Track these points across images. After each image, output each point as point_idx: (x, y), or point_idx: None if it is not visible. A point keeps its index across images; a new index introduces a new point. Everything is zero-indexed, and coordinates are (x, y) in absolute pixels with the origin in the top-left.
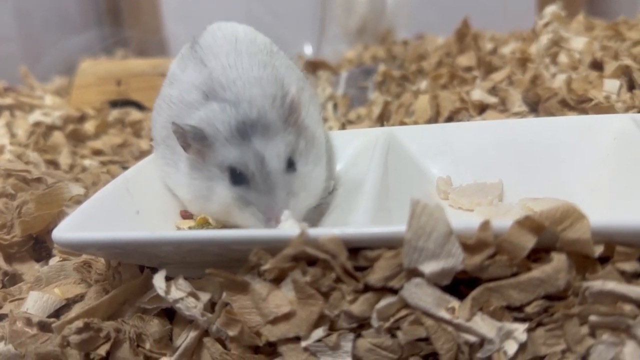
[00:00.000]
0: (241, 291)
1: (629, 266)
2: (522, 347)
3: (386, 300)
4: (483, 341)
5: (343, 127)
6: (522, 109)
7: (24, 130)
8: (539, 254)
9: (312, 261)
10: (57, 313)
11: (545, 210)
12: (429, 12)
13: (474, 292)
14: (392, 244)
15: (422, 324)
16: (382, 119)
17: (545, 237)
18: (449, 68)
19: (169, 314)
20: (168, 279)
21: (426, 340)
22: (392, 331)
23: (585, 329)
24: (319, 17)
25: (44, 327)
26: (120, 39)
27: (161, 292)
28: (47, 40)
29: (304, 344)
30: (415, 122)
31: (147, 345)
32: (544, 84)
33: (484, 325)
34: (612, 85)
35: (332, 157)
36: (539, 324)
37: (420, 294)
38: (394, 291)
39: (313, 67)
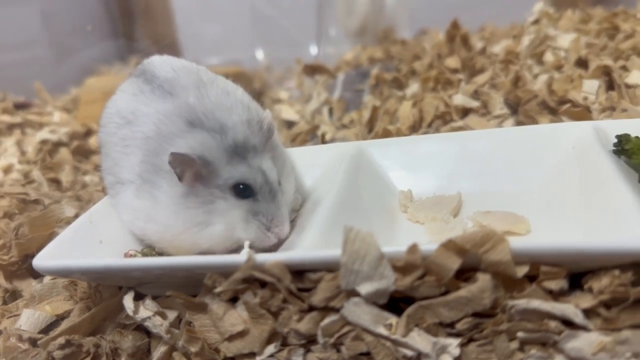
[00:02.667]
0: (200, 311)
1: (554, 284)
2: None
3: (329, 319)
4: (420, 355)
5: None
6: (503, 112)
7: (33, 148)
8: (469, 274)
9: (263, 283)
10: (48, 328)
11: (467, 234)
12: (433, 7)
13: (409, 310)
14: (331, 267)
15: (363, 339)
16: (371, 124)
17: (471, 258)
18: (438, 70)
19: (147, 329)
20: (138, 298)
21: (368, 354)
22: (337, 346)
23: (514, 344)
24: (318, 19)
25: (34, 342)
26: (134, 48)
27: (130, 312)
28: (67, 49)
29: (258, 359)
30: (399, 129)
31: (123, 359)
32: (525, 85)
33: (420, 340)
34: (591, 85)
35: (296, 173)
36: (471, 340)
37: (359, 313)
38: (336, 310)
39: (311, 70)
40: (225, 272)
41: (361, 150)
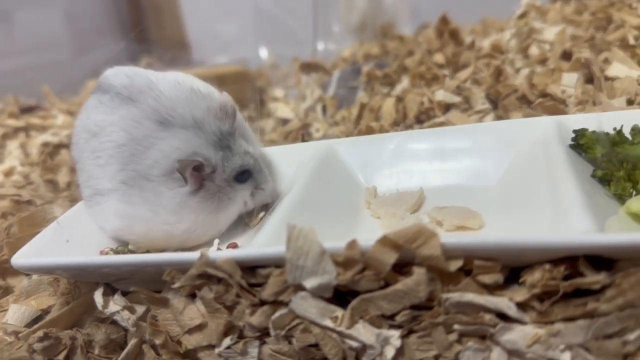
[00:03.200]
0: (163, 305)
1: (488, 278)
2: (400, 351)
3: (279, 312)
4: (365, 347)
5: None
6: (484, 107)
7: (36, 151)
8: (409, 267)
9: (219, 279)
10: (34, 322)
11: (400, 230)
12: (437, 0)
13: (353, 303)
14: (279, 263)
15: (311, 332)
16: (358, 122)
17: (409, 253)
18: (426, 66)
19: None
20: (109, 294)
21: (316, 346)
22: (288, 338)
23: (453, 336)
24: (314, 15)
25: (19, 335)
26: (144, 49)
27: (99, 307)
28: (79, 50)
29: (217, 351)
30: (382, 126)
31: (96, 351)
32: (506, 80)
33: (364, 332)
34: (569, 79)
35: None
36: (411, 331)
37: (306, 306)
38: (285, 304)
39: (308, 68)
40: (184, 268)
41: (332, 149)
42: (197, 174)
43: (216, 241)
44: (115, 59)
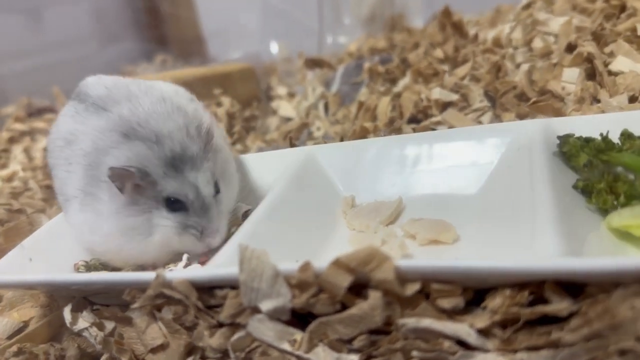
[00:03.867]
0: (127, 324)
1: (447, 303)
2: None
3: (238, 335)
4: None
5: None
6: (483, 105)
7: (40, 155)
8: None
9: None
10: (17, 333)
11: (352, 253)
12: None
13: (311, 326)
14: (235, 284)
15: (270, 355)
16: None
17: (363, 276)
18: (427, 62)
19: None
20: (78, 309)
21: None
22: None
23: None
24: (318, 8)
25: None
26: (160, 45)
27: (67, 323)
28: (93, 49)
29: None
30: (376, 126)
31: None
32: (505, 76)
33: (324, 356)
34: (571, 74)
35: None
36: (370, 357)
37: (263, 329)
38: (243, 326)
39: (313, 64)
40: (144, 288)
41: (311, 156)
42: (129, 184)
43: (185, 256)
44: (131, 57)
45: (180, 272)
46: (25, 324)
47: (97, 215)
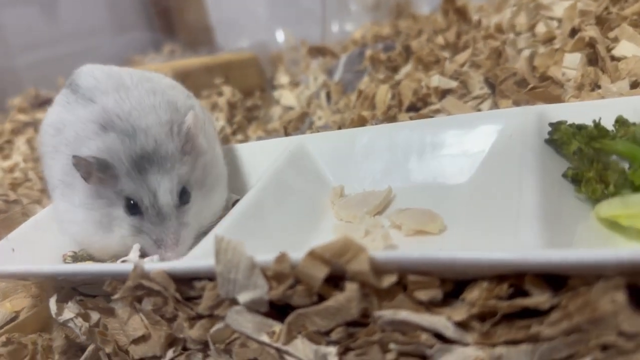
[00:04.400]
0: (110, 315)
1: (424, 294)
2: None
3: (217, 326)
4: None
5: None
6: (483, 92)
7: None
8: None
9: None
10: (10, 322)
11: (326, 243)
12: None
13: (289, 318)
14: (212, 275)
15: (249, 346)
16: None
17: (339, 267)
18: (429, 49)
19: None
20: (64, 300)
21: None
22: (228, 352)
23: (391, 355)
24: None
25: None
26: (168, 34)
27: (53, 314)
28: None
29: None
30: (374, 115)
31: (56, 356)
32: (506, 62)
33: (302, 348)
34: (572, 59)
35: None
36: (347, 349)
37: (241, 321)
38: (222, 317)
39: (316, 52)
40: (124, 279)
41: (302, 145)
42: (86, 172)
43: (136, 245)
44: (140, 46)
45: (157, 264)
46: (17, 314)
47: (73, 205)
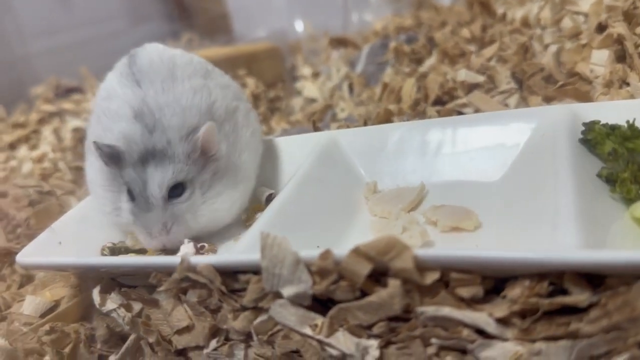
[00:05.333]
0: (154, 305)
1: (466, 292)
2: None
3: (261, 318)
4: (345, 355)
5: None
6: (509, 87)
7: (69, 136)
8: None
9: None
10: (48, 312)
11: (372, 242)
12: None
13: (332, 311)
14: (257, 269)
15: (292, 338)
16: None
17: (382, 264)
18: (454, 41)
19: None
20: (106, 291)
21: (298, 352)
22: (271, 343)
23: (432, 349)
24: None
25: (30, 327)
26: (186, 23)
27: (96, 304)
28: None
29: (205, 351)
30: (401, 109)
31: (98, 345)
32: (533, 57)
33: (344, 340)
34: (600, 56)
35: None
36: (389, 343)
37: (285, 313)
38: (266, 310)
39: (338, 43)
40: (170, 271)
41: (334, 140)
42: (107, 157)
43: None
44: (158, 36)
45: (204, 258)
46: (57, 303)
47: (95, 178)
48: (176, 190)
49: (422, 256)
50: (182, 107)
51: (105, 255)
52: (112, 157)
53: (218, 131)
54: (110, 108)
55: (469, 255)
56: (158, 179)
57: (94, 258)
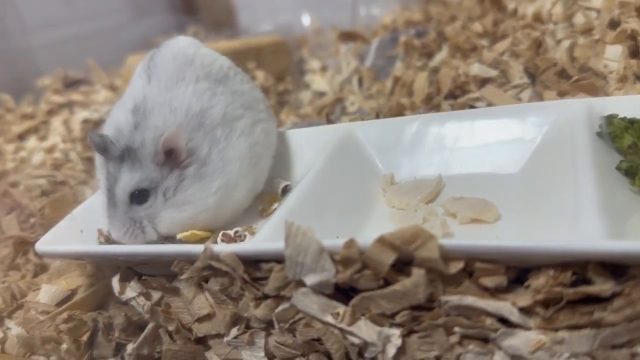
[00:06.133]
0: (174, 294)
1: (490, 281)
2: (401, 350)
3: (282, 306)
4: (367, 344)
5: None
6: (522, 81)
7: (79, 127)
8: (410, 267)
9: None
10: (65, 301)
11: (397, 231)
12: None
13: (354, 300)
14: (281, 258)
15: (313, 326)
16: (392, 96)
17: (407, 253)
18: (465, 36)
19: None
20: (126, 279)
21: (320, 340)
22: (292, 331)
23: (454, 338)
24: None
25: (47, 315)
26: (192, 16)
27: (116, 292)
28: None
29: (225, 339)
30: (413, 102)
31: (116, 334)
32: (546, 52)
33: (366, 329)
34: (613, 51)
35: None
36: (412, 331)
37: (307, 302)
38: (288, 298)
39: (346, 37)
40: (192, 259)
41: (350, 133)
42: (94, 145)
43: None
44: (163, 28)
45: (226, 246)
46: (73, 292)
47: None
48: (138, 197)
49: (447, 246)
50: (171, 109)
51: (102, 243)
52: (99, 147)
53: (204, 136)
54: (124, 96)
55: (494, 246)
56: (124, 182)
57: (117, 247)
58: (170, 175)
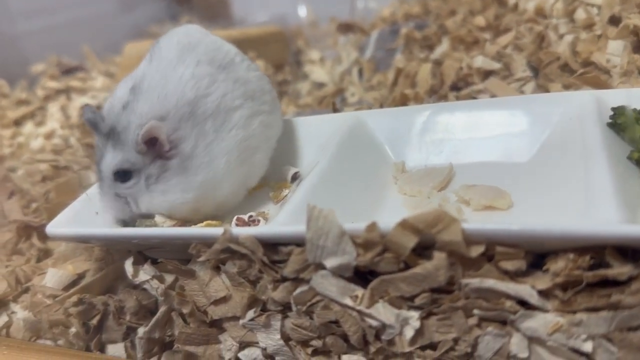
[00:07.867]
0: (189, 277)
1: (511, 265)
2: (419, 332)
3: (300, 289)
4: (384, 326)
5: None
6: (525, 75)
7: (77, 113)
8: (429, 250)
9: (243, 254)
10: (70, 286)
11: (420, 214)
12: None
13: (373, 283)
14: (300, 241)
15: (331, 309)
16: (394, 88)
17: (428, 236)
18: (467, 29)
19: None
20: (139, 262)
21: (337, 322)
22: (309, 314)
23: (473, 320)
24: None
25: (56, 299)
26: (186, 5)
27: (129, 276)
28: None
29: (241, 322)
30: (417, 93)
31: (127, 317)
32: (549, 47)
33: (384, 312)
34: (616, 46)
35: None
36: (430, 314)
37: (326, 284)
38: (307, 281)
39: (345, 29)
40: (209, 242)
41: (360, 121)
42: (86, 120)
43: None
44: (157, 17)
45: (246, 229)
46: (80, 276)
47: None
48: (121, 176)
49: (469, 229)
50: (162, 95)
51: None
52: (90, 122)
53: (193, 127)
54: (130, 75)
55: (517, 229)
56: (107, 160)
57: (134, 229)
58: (152, 163)
